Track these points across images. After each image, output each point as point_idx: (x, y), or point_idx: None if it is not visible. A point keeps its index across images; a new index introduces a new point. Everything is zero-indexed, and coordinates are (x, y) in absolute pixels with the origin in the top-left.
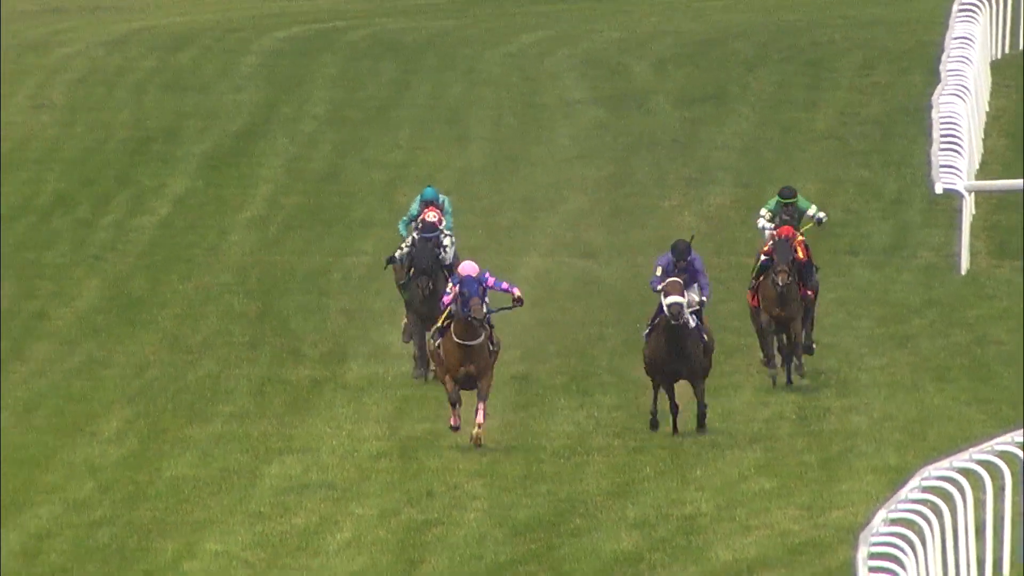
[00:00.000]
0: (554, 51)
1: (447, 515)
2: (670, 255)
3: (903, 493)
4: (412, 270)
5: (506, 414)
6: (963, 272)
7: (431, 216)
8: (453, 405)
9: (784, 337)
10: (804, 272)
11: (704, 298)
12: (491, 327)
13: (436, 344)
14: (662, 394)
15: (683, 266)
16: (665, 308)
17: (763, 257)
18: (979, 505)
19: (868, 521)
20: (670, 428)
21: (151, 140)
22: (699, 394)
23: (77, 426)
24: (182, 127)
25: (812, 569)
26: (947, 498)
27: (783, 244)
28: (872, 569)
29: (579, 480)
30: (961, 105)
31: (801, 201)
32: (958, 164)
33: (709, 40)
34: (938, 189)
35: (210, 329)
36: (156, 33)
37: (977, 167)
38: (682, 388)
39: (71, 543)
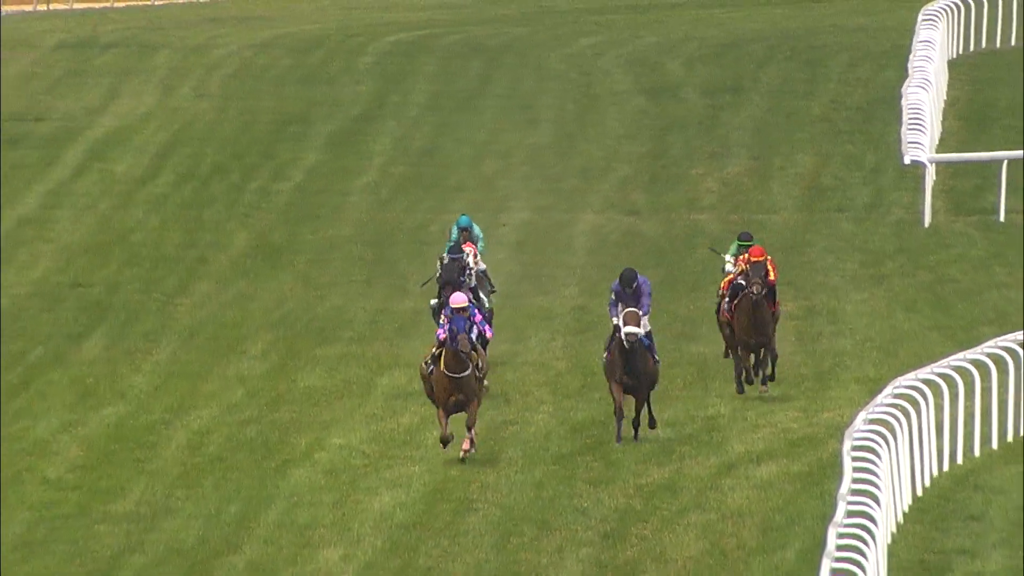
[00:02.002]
0: (605, 52)
1: (520, 416)
2: (618, 283)
3: (879, 399)
4: (442, 286)
5: (567, 337)
6: (926, 225)
7: (469, 249)
8: (442, 420)
9: (755, 356)
10: (772, 292)
11: (646, 320)
12: (479, 353)
13: (429, 371)
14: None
15: (630, 292)
16: (623, 336)
17: (739, 278)
18: (939, 408)
19: (852, 421)
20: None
21: (288, 122)
22: (639, 407)
23: (230, 347)
24: (312, 112)
25: (807, 459)
26: (914, 403)
27: (756, 264)
28: (855, 459)
29: None
30: (925, 95)
31: (757, 243)
32: (922, 141)
33: (728, 43)
34: (907, 160)
35: (335, 271)
36: (292, 38)
37: (937, 143)
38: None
39: (225, 438)
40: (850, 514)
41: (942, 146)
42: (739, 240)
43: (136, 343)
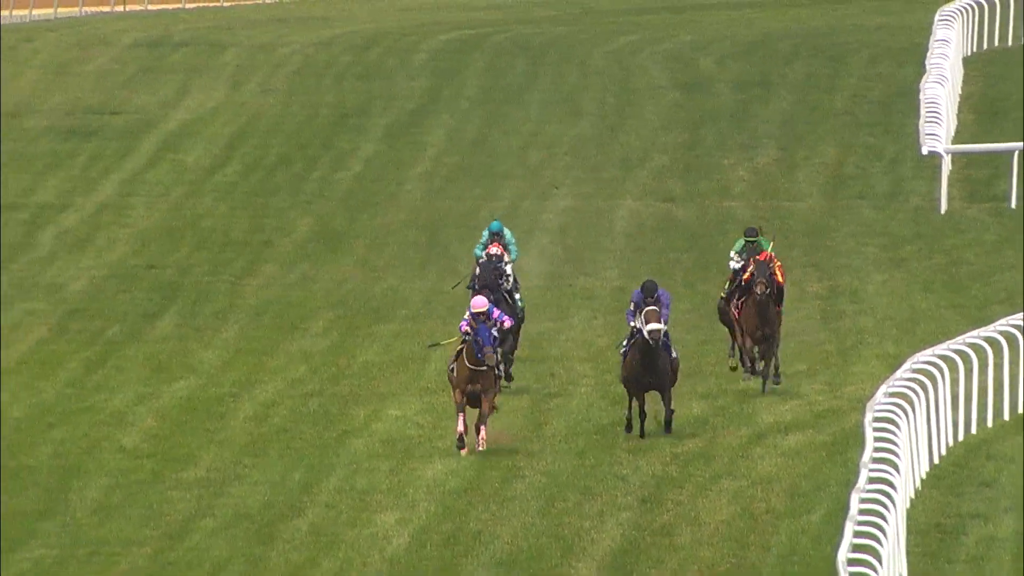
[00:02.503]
0: (643, 49)
1: (564, 389)
2: (640, 292)
3: (898, 373)
4: (479, 288)
5: (607, 316)
6: (942, 212)
7: (495, 250)
8: (460, 413)
9: (760, 350)
10: (780, 294)
11: (665, 328)
12: (497, 353)
13: (452, 366)
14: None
15: (651, 301)
16: (647, 333)
17: (745, 276)
18: (954, 382)
19: (873, 394)
20: (629, 429)
21: (348, 115)
22: (667, 402)
23: (293, 325)
24: (370, 106)
25: (832, 429)
26: (931, 377)
27: (762, 264)
28: (876, 429)
29: None
30: (941, 90)
31: (763, 242)
32: (939, 133)
33: (757, 41)
34: (924, 151)
35: (391, 254)
36: (352, 36)
37: (952, 135)
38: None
39: (289, 410)
40: (871, 480)
41: (957, 138)
42: (745, 236)
43: (206, 321)
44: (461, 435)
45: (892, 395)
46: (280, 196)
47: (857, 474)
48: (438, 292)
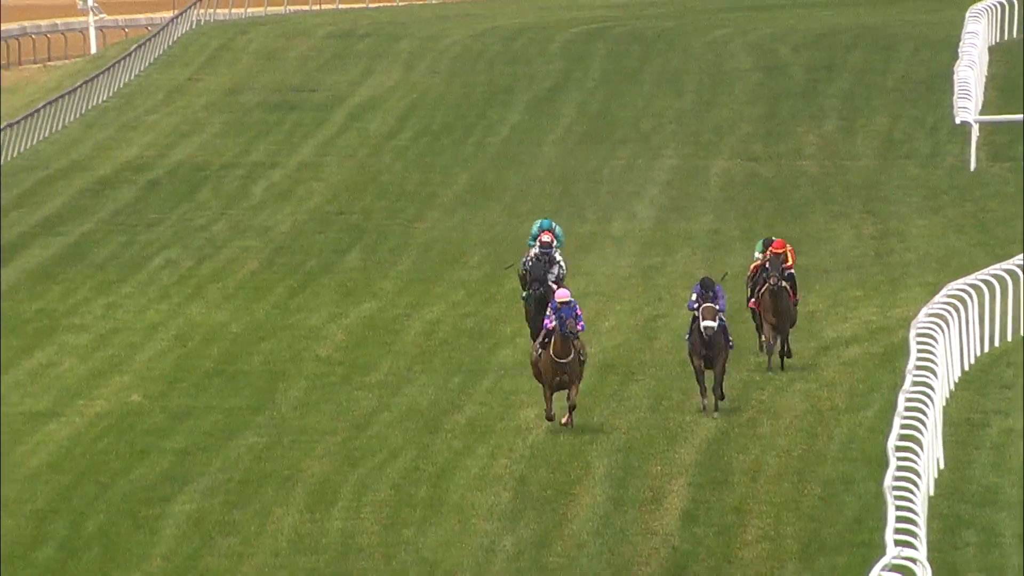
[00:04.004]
0: (733, 40)
1: (669, 311)
2: (700, 287)
3: (937, 298)
4: (530, 281)
5: (705, 252)
6: (972, 170)
7: (546, 238)
8: (548, 399)
9: (776, 337)
10: (793, 282)
11: (722, 315)
12: (581, 340)
13: (537, 355)
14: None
15: (710, 296)
16: (703, 328)
17: (754, 264)
18: (981, 305)
19: (916, 315)
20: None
21: (497, 92)
22: (719, 382)
23: (454, 259)
24: (515, 85)
25: (883, 342)
26: (963, 301)
27: (775, 259)
28: (918, 343)
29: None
30: (971, 72)
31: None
32: (969, 106)
33: (824, 33)
34: (957, 121)
35: (531, 203)
36: (501, 29)
37: (980, 108)
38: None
39: (451, 326)
40: (914, 384)
41: (984, 110)
42: (763, 243)
43: (384, 256)
44: (550, 417)
45: (931, 315)
46: (443, 156)
47: (903, 379)
48: (568, 233)
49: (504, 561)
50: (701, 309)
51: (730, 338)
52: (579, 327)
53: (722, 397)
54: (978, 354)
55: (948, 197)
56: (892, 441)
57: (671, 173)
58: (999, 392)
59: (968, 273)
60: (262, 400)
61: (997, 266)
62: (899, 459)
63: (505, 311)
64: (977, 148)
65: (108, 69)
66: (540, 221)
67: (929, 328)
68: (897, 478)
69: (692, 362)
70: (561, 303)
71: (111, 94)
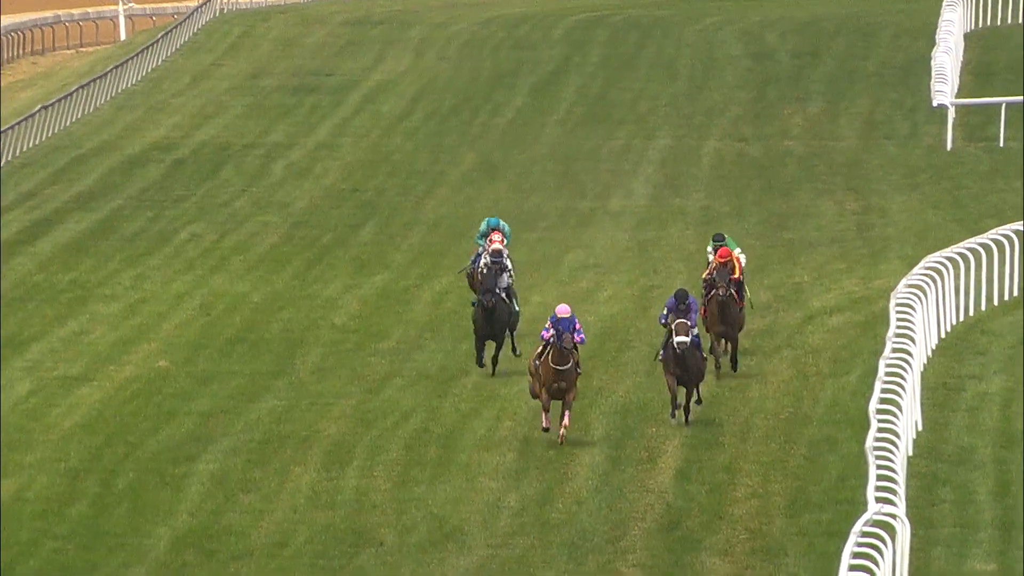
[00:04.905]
0: (723, 27)
1: (663, 282)
2: (674, 300)
3: (915, 270)
4: (481, 291)
5: (697, 228)
6: (948, 149)
7: (497, 246)
8: (545, 411)
9: (727, 344)
10: (740, 289)
11: (694, 331)
12: (577, 352)
13: (536, 365)
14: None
15: (683, 308)
16: (676, 344)
17: (705, 273)
18: (957, 276)
19: (896, 285)
20: (674, 414)
21: (503, 76)
22: (691, 392)
23: (462, 233)
24: (519, 69)
25: (864, 311)
26: (939, 272)
27: (722, 269)
28: (898, 312)
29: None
30: (947, 58)
31: (729, 241)
32: (945, 90)
33: (809, 21)
34: (935, 103)
35: (534, 180)
36: (506, 17)
37: (956, 91)
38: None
39: (458, 296)
40: (894, 350)
41: (960, 94)
42: (713, 241)
43: (396, 230)
44: (546, 428)
45: (910, 286)
46: (451, 137)
47: (884, 345)
48: (569, 208)
49: (509, 517)
50: (674, 324)
51: (703, 354)
52: (579, 339)
53: (699, 401)
54: (954, 322)
55: (926, 175)
56: (873, 404)
57: (665, 153)
58: (974, 358)
59: (945, 246)
60: (281, 365)
61: (972, 240)
62: (880, 421)
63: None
64: (953, 129)
65: (137, 55)
66: (488, 219)
67: (908, 298)
68: (878, 439)
69: (667, 379)
70: (561, 318)
71: (140, 78)
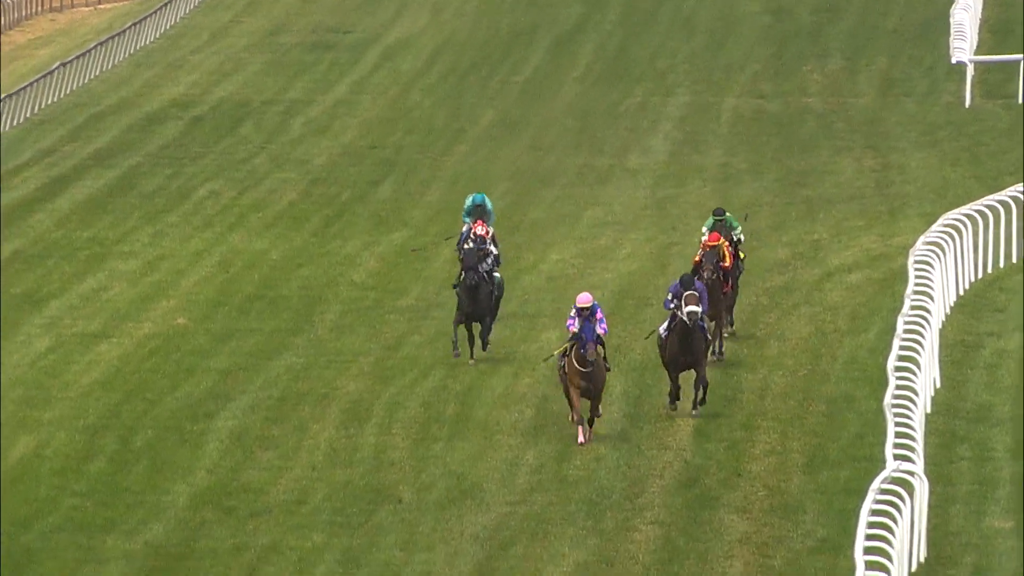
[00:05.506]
0: None
1: (682, 239)
2: (679, 285)
3: (934, 227)
4: (463, 268)
5: (715, 184)
6: (967, 106)
7: (480, 230)
8: (576, 420)
9: (716, 327)
10: (728, 274)
11: (701, 311)
12: (604, 348)
13: (562, 364)
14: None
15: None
16: (686, 314)
17: (695, 258)
18: (975, 233)
19: (915, 243)
20: (673, 404)
21: (521, 34)
22: (702, 377)
23: (480, 190)
24: (538, 27)
25: (883, 268)
26: (958, 230)
27: (711, 253)
28: (917, 269)
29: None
30: (966, 15)
31: (729, 218)
32: (964, 47)
33: None
34: (953, 60)
35: (552, 137)
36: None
37: (975, 48)
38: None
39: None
40: (913, 308)
41: (978, 51)
42: (714, 215)
43: (414, 188)
44: (578, 423)
45: (928, 243)
46: (470, 94)
47: (902, 303)
48: (588, 166)
49: (527, 474)
50: (684, 296)
51: (708, 336)
52: (602, 330)
53: (703, 402)
54: (973, 279)
55: (944, 132)
56: (891, 362)
57: (684, 110)
58: (992, 315)
59: (963, 204)
60: (300, 323)
61: (990, 197)
62: (898, 379)
63: (528, 239)
64: (972, 86)
65: (156, 12)
66: (473, 196)
67: (926, 255)
68: (896, 396)
69: (668, 371)
70: (582, 308)
71: (158, 35)
